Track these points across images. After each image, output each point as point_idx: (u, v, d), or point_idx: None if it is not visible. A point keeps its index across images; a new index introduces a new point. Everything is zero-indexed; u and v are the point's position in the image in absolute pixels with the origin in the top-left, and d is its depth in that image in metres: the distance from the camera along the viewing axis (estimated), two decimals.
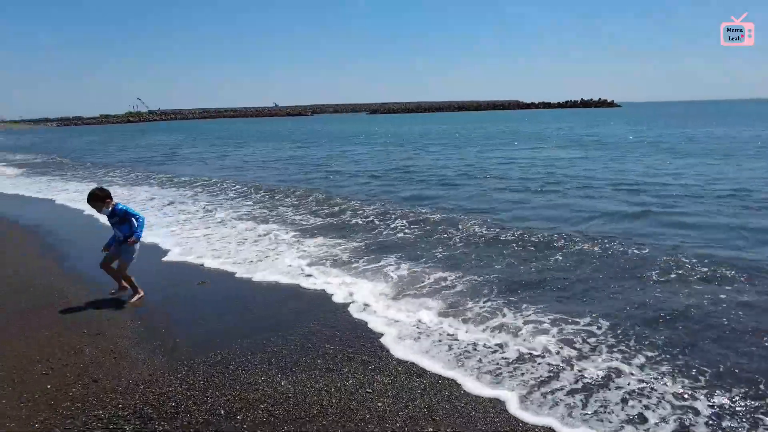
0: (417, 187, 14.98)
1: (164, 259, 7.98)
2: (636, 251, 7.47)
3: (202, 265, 7.58)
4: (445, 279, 6.56)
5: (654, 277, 6.42)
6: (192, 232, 9.65)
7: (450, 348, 4.69)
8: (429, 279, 6.58)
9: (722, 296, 5.74)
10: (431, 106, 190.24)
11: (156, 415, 3.73)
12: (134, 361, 4.58)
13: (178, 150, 36.15)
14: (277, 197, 13.48)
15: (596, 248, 7.68)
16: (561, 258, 7.32)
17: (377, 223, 10.02)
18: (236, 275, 7.06)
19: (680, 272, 6.54)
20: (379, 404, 3.81)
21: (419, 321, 5.28)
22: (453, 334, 4.97)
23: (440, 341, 4.84)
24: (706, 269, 6.59)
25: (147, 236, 7.85)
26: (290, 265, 7.36)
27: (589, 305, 5.60)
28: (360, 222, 10.16)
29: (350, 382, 4.14)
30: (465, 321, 5.26)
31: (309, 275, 6.90)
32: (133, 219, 6.10)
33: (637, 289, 6.09)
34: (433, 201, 12.34)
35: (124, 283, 6.23)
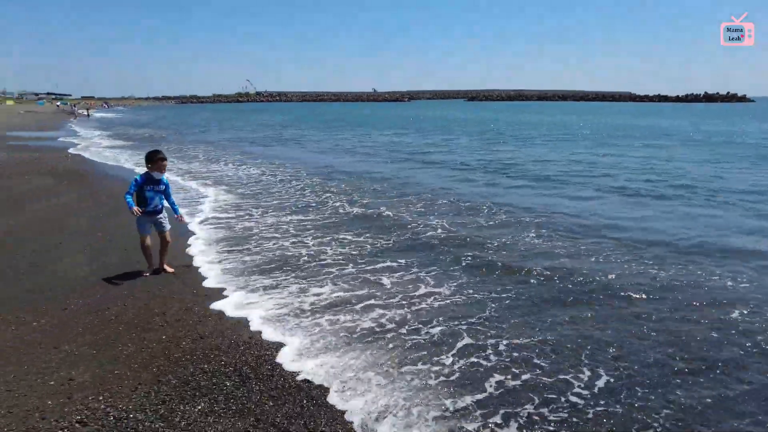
0: (515, 183, 14.33)
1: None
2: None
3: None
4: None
5: None
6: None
7: None
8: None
9: None
10: (532, 95, 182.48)
11: (253, 375, 4.00)
12: (236, 323, 4.93)
13: (284, 131, 38.05)
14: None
15: None
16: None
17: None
18: None
19: None
20: None
21: None
22: None
23: None
24: None
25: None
26: None
27: None
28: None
29: None
30: None
31: None
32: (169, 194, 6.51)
33: None
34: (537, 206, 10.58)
35: (154, 260, 6.40)
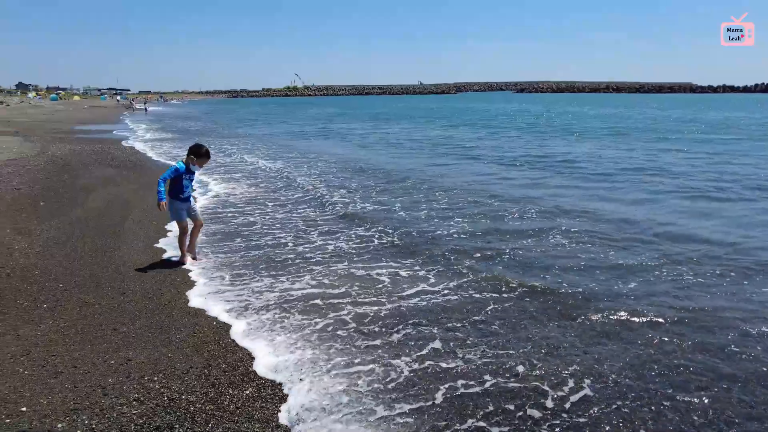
0: (561, 181, 13.64)
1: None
2: None
3: None
4: None
5: None
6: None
7: None
8: None
9: None
10: (584, 86, 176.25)
11: None
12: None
13: (328, 125, 38.51)
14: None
15: None
16: None
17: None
18: None
19: None
20: None
21: None
22: None
23: None
24: None
25: None
26: None
27: None
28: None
29: None
30: None
31: None
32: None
33: None
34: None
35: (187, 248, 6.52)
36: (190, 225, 6.55)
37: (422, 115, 49.74)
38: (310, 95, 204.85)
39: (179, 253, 6.55)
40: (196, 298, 5.38)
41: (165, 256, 6.77)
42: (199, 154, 6.39)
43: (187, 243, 6.51)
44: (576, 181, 12.97)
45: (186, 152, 6.47)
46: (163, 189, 6.18)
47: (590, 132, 28.13)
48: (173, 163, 6.39)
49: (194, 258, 6.55)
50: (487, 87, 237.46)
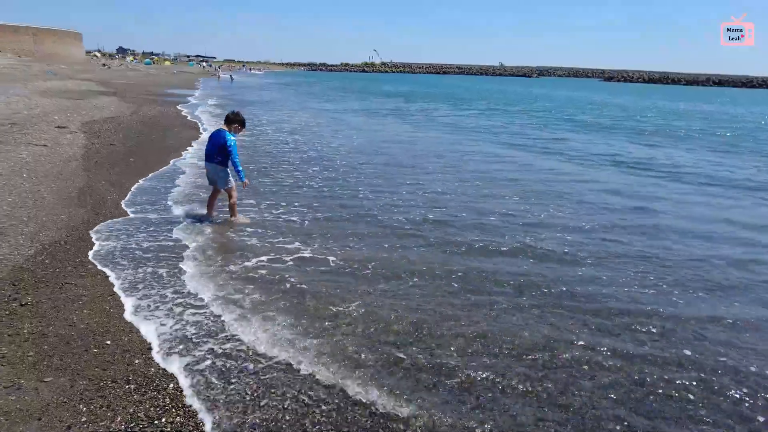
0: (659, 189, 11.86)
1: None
2: None
3: None
4: None
5: None
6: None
7: None
8: None
9: None
10: (680, 78, 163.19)
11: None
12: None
13: (400, 104, 38.30)
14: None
15: None
16: None
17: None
18: None
19: None
20: None
21: None
22: None
23: None
24: None
25: None
26: None
27: None
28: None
29: None
30: None
31: None
32: None
33: None
34: None
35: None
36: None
37: (499, 99, 48.01)
38: (387, 71, 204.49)
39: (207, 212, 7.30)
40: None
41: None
42: (243, 124, 6.97)
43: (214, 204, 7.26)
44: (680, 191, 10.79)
45: (225, 120, 6.92)
46: (242, 171, 6.89)
47: (700, 135, 22.66)
48: (231, 137, 6.73)
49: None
50: (572, 73, 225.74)
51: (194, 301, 4.73)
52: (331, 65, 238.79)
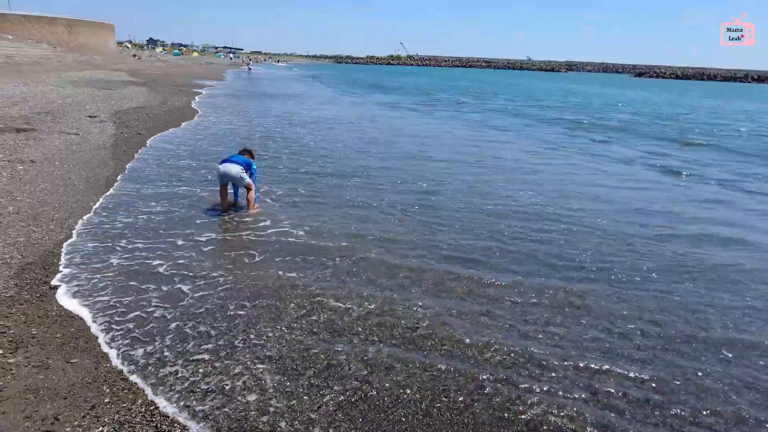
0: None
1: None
2: None
3: None
4: None
5: None
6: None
7: None
8: None
9: None
10: (716, 73, 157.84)
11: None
12: None
13: (423, 97, 37.99)
14: None
15: None
16: None
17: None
18: None
19: None
20: None
21: None
22: None
23: None
24: None
25: None
26: None
27: None
28: None
29: None
30: None
31: None
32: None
33: None
34: None
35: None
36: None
37: (531, 94, 47.04)
38: (412, 65, 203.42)
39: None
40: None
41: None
42: (253, 156, 7.78)
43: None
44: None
45: (242, 151, 7.71)
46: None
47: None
48: (252, 162, 7.47)
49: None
50: (602, 68, 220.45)
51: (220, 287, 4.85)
52: (357, 58, 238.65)
